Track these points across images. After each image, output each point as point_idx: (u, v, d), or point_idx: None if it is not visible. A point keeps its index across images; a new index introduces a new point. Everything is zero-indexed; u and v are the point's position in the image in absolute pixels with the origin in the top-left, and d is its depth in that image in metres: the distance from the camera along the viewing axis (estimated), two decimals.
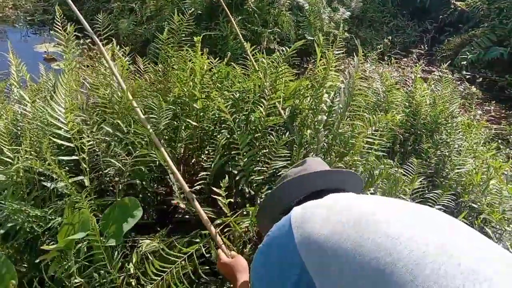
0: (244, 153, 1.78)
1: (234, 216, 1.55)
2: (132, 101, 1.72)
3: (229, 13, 2.79)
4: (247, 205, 1.67)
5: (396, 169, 1.97)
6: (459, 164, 2.30)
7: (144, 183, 1.81)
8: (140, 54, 2.71)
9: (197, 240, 1.58)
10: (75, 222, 1.42)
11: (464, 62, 5.51)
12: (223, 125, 2.04)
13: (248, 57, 2.23)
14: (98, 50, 1.76)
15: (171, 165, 1.58)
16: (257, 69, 2.10)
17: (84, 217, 1.42)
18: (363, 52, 1.92)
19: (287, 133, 1.92)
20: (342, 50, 1.99)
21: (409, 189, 1.86)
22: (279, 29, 5.15)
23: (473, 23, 6.37)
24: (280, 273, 0.82)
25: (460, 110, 3.91)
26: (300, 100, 2.04)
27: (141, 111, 1.75)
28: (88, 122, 1.75)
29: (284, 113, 2.02)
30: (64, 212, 1.49)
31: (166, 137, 2.01)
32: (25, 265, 1.54)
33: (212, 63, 2.10)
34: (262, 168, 1.82)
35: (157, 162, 1.73)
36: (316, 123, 1.87)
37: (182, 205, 1.71)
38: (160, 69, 2.19)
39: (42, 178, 1.64)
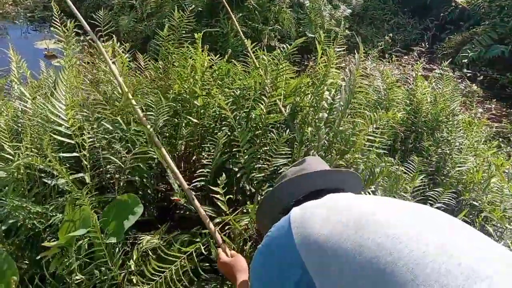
0: (245, 151, 1.78)
1: (235, 213, 1.55)
2: (131, 101, 1.71)
3: (229, 10, 2.78)
4: (248, 202, 1.67)
5: (397, 167, 1.97)
6: (460, 162, 2.30)
7: (144, 180, 1.81)
8: (141, 51, 2.70)
9: (197, 240, 1.59)
10: (76, 219, 1.42)
11: (465, 60, 5.50)
12: (223, 122, 2.03)
13: (248, 54, 2.22)
14: (98, 49, 1.76)
15: (170, 163, 1.58)
16: (258, 66, 2.10)
17: (85, 214, 1.42)
18: (364, 49, 1.92)
19: (288, 130, 1.92)
20: (343, 47, 1.98)
21: (410, 187, 1.86)
22: (279, 26, 5.15)
23: (474, 21, 6.36)
24: (280, 273, 0.81)
25: (461, 108, 3.92)
26: (301, 98, 2.04)
27: (142, 109, 1.75)
28: (90, 118, 1.74)
29: (285, 111, 2.02)
30: (65, 209, 1.49)
31: (167, 134, 2.01)
32: (26, 262, 1.54)
33: (213, 60, 2.10)
34: (263, 165, 1.82)
35: (157, 159, 1.73)
36: (317, 120, 1.86)
37: (181, 201, 1.71)
38: (160, 66, 2.19)
39: (43, 175, 1.64)
